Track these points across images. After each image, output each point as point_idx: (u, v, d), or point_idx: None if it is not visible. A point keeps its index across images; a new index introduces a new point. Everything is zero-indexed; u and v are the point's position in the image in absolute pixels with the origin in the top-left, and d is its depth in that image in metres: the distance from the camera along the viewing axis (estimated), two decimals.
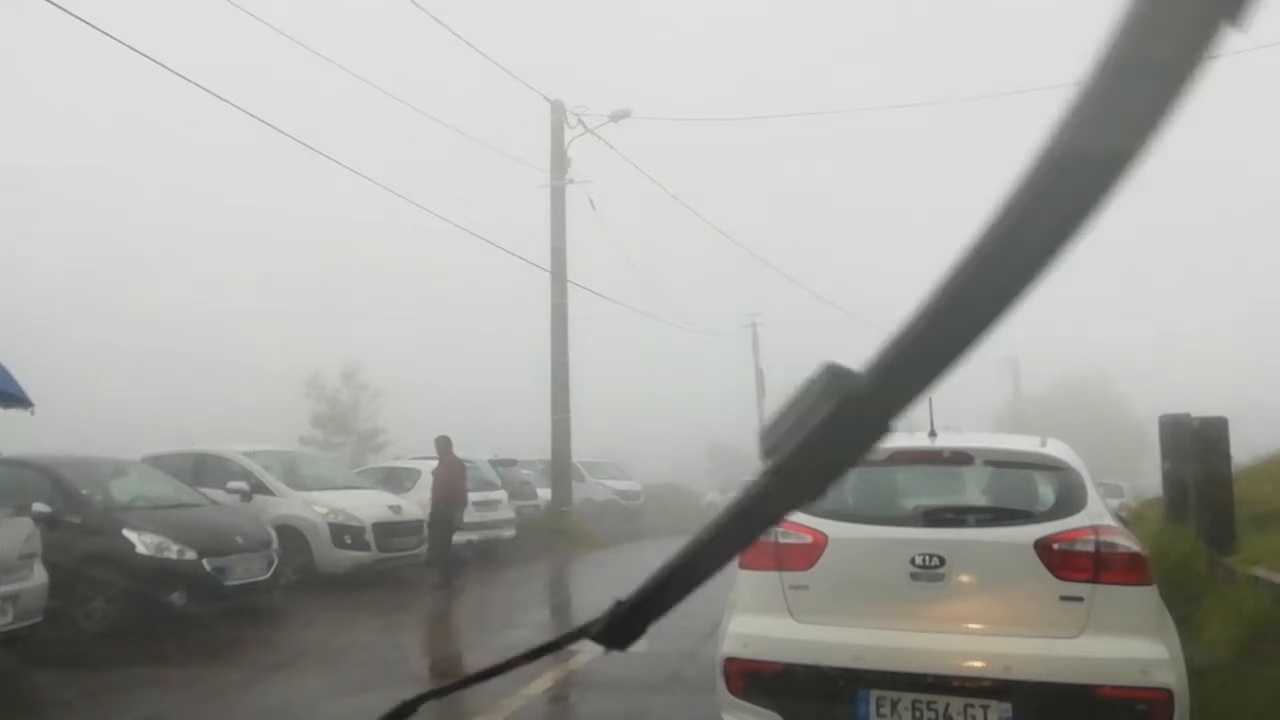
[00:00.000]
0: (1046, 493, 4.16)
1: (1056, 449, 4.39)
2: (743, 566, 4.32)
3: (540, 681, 6.50)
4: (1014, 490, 4.33)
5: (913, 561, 3.92)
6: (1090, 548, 3.78)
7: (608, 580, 13.41)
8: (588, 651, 7.40)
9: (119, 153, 58.80)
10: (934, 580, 3.90)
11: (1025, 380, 54.51)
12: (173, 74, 10.14)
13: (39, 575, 6.98)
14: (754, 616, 4.18)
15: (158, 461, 12.20)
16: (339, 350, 35.15)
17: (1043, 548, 3.81)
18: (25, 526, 6.96)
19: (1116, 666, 3.59)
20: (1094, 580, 3.73)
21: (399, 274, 55.08)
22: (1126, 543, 3.84)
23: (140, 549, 8.76)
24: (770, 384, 37.41)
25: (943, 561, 3.89)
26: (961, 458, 4.35)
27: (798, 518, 4.19)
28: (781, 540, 4.17)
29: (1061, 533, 3.84)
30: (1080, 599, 3.72)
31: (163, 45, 10.45)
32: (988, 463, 4.33)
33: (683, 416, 48.62)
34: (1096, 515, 3.93)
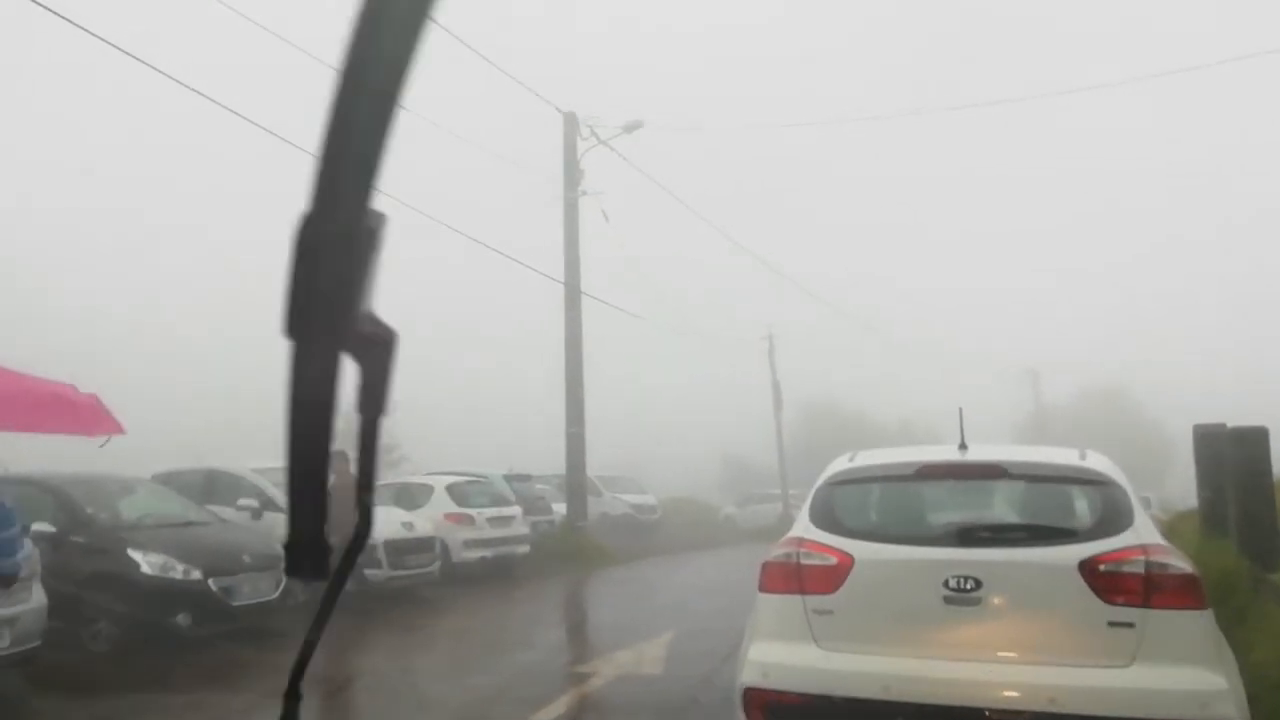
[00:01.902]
0: (1089, 509, 3.88)
1: (1097, 462, 4.11)
2: (763, 589, 4.07)
3: (554, 707, 6.25)
4: (1054, 507, 4.05)
5: (946, 584, 3.65)
6: (1140, 569, 3.50)
7: (624, 597, 13.15)
8: (602, 675, 7.15)
9: (129, 166, 59.23)
10: (969, 604, 3.63)
11: (1045, 392, 53.94)
12: (178, 83, 10.03)
13: (38, 597, 6.79)
14: (775, 643, 3.92)
15: (168, 479, 12.07)
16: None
17: (1088, 569, 3.54)
18: (24, 547, 6.77)
19: (1173, 699, 3.31)
20: (1145, 604, 3.46)
21: (412, 288, 55.13)
22: (1179, 563, 3.55)
23: (145, 569, 8.57)
24: (788, 396, 36.99)
25: (979, 584, 3.62)
26: (995, 471, 4.08)
27: (822, 537, 3.94)
28: (804, 561, 3.91)
29: (1108, 553, 3.57)
30: (1130, 625, 3.45)
31: (171, 49, 10.35)
32: (1024, 477, 4.05)
33: (698, 430, 48.30)
34: (1145, 533, 3.65)
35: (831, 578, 3.84)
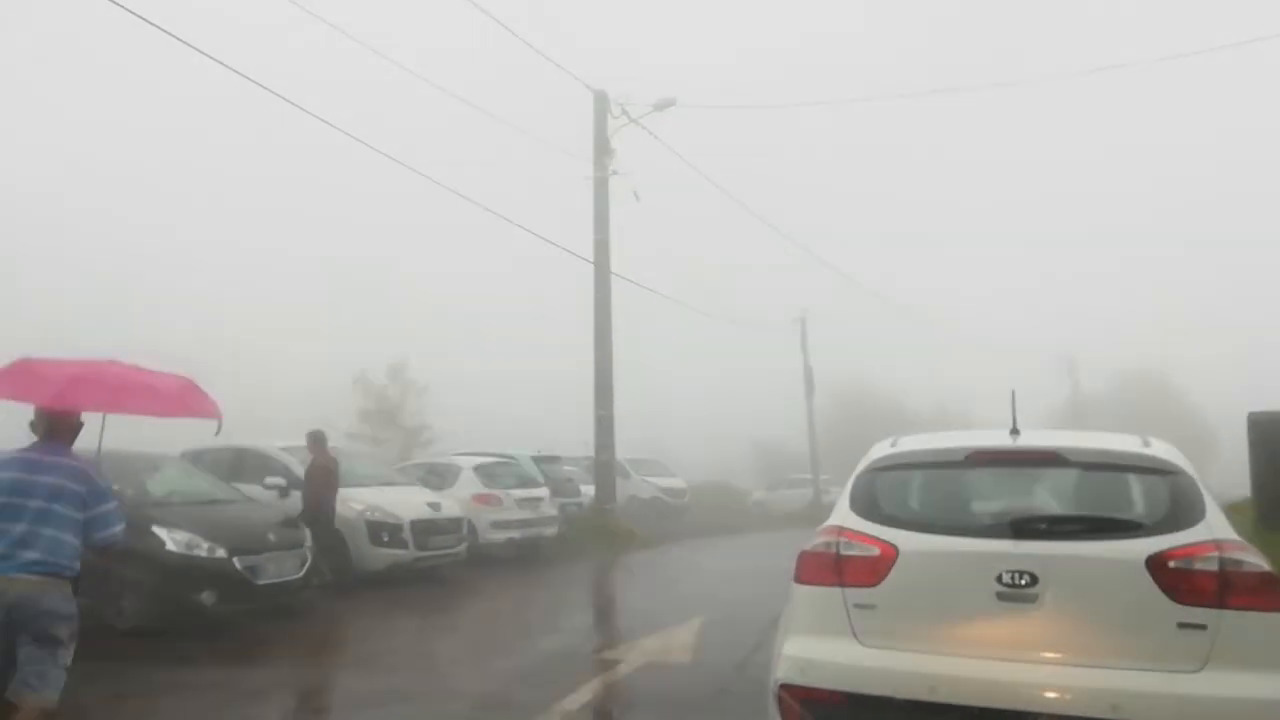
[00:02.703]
0: (1156, 501, 3.59)
1: (1163, 449, 3.82)
2: (799, 580, 3.83)
3: (579, 695, 6.07)
4: (1117, 497, 3.76)
5: (999, 579, 3.39)
6: (1213, 566, 3.22)
7: (652, 582, 12.97)
8: (628, 662, 6.96)
9: (162, 144, 59.76)
10: (1024, 601, 3.37)
11: (1083, 379, 52.92)
12: (221, 64, 9.90)
13: None
14: (812, 638, 3.68)
15: (197, 457, 12.04)
16: (387, 345, 35.20)
17: (1156, 565, 3.26)
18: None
19: (1249, 709, 3.04)
20: (1219, 605, 3.18)
21: (444, 268, 55.24)
22: (1256, 560, 3.27)
23: (170, 546, 8.50)
24: (819, 381, 36.56)
25: (1034, 580, 3.36)
26: (1052, 458, 3.79)
27: (864, 526, 3.69)
28: (844, 552, 3.67)
29: (1178, 548, 3.29)
30: (1202, 627, 3.17)
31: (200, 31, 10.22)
32: (1083, 465, 3.76)
33: (727, 414, 47.96)
34: (1218, 527, 3.36)
35: (874, 570, 3.59)
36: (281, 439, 13.05)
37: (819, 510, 31.81)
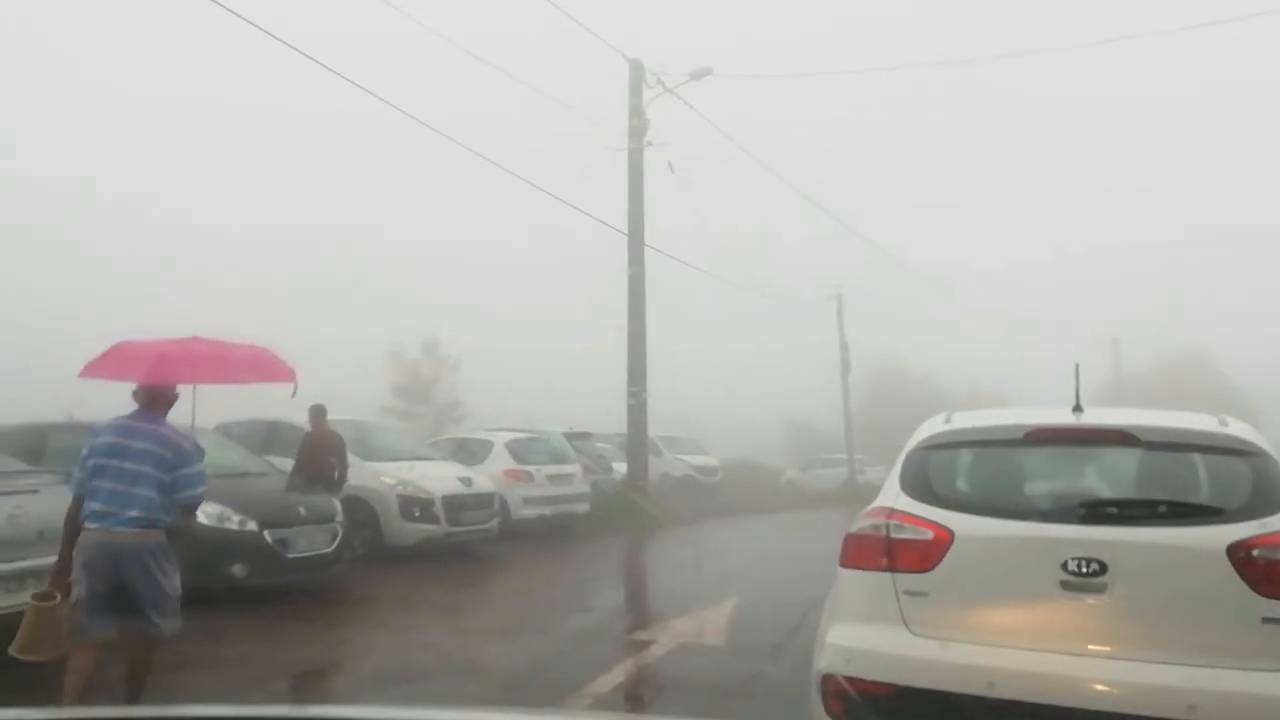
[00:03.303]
0: (1236, 485, 3.31)
1: (1242, 429, 3.53)
2: (845, 564, 3.61)
3: (610, 676, 5.91)
4: (1192, 480, 3.48)
5: (1064, 567, 3.14)
6: None
7: (685, 561, 12.81)
8: (661, 643, 6.79)
9: (181, 116, 60.08)
10: (1092, 591, 3.12)
11: (1125, 359, 51.77)
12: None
13: None
14: (859, 626, 3.47)
15: (229, 429, 12.03)
16: (422, 319, 35.29)
17: (1238, 554, 3.00)
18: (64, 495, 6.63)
19: None
20: None
21: (479, 243, 55.24)
22: None
23: (201, 519, 8.39)
24: (853, 359, 36.06)
25: (1104, 568, 3.11)
26: (1121, 437, 3.52)
27: (916, 508, 3.45)
28: (894, 535, 3.44)
29: (1263, 536, 3.02)
30: None
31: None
32: (1155, 445, 3.48)
33: (760, 391, 47.59)
34: None
35: (927, 554, 3.36)
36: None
37: (854, 490, 31.45)
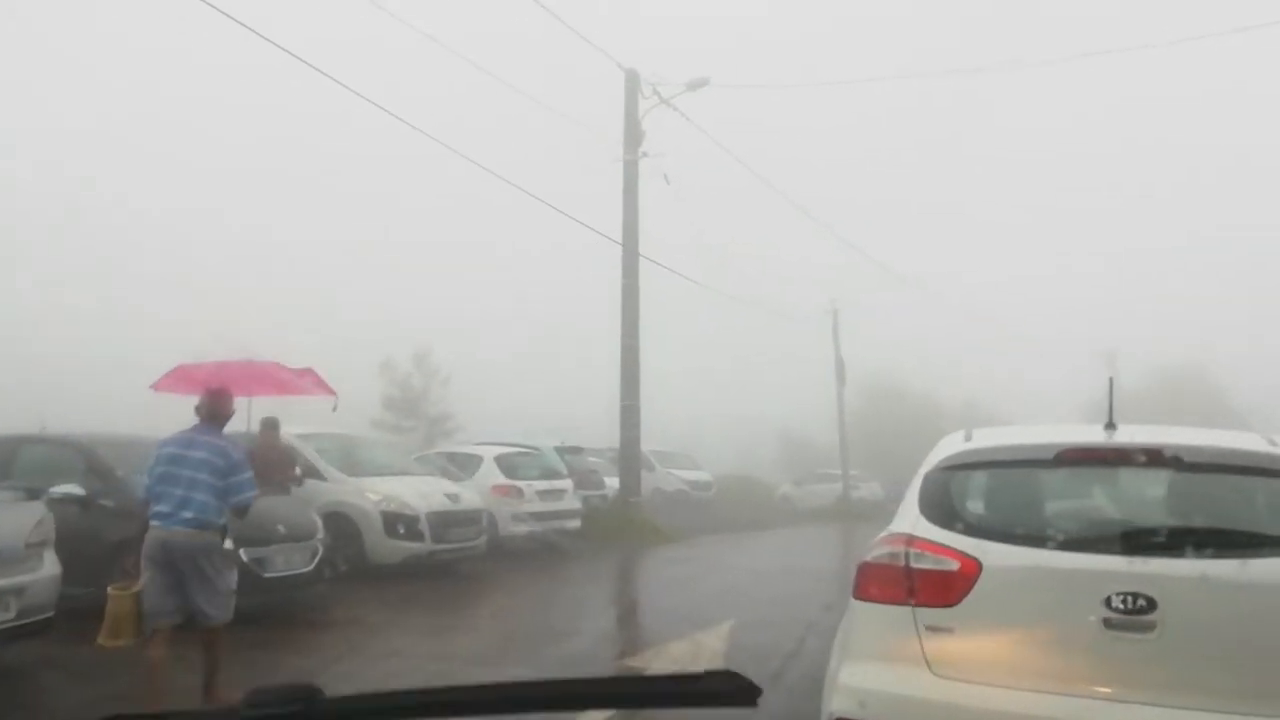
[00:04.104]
0: None
1: None
2: (859, 596, 3.28)
3: (589, 717, 5.53)
4: (1243, 507, 3.16)
5: (1107, 603, 2.82)
6: None
7: (678, 580, 12.43)
8: (654, 670, 6.43)
9: (188, 120, 59.65)
10: (1139, 630, 2.79)
11: (1121, 374, 51.55)
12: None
13: (50, 566, 6.31)
14: (874, 665, 3.13)
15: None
16: (411, 331, 34.90)
17: None
18: (34, 511, 6.29)
19: None
20: None
21: (470, 254, 54.94)
22: None
23: None
24: (851, 373, 35.81)
25: (1152, 604, 2.78)
26: (1163, 458, 3.19)
27: (938, 535, 3.12)
28: (914, 565, 3.10)
29: None
30: None
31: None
32: (1201, 467, 3.16)
33: (753, 404, 47.20)
34: None
35: (952, 587, 3.03)
36: (300, 426, 12.66)
37: (849, 506, 31.14)
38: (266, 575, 8.35)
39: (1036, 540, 3.09)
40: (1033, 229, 73.13)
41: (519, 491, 14.15)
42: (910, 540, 3.17)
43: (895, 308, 43.18)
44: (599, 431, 21.33)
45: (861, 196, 59.77)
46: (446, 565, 11.47)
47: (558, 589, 11.52)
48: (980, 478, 3.46)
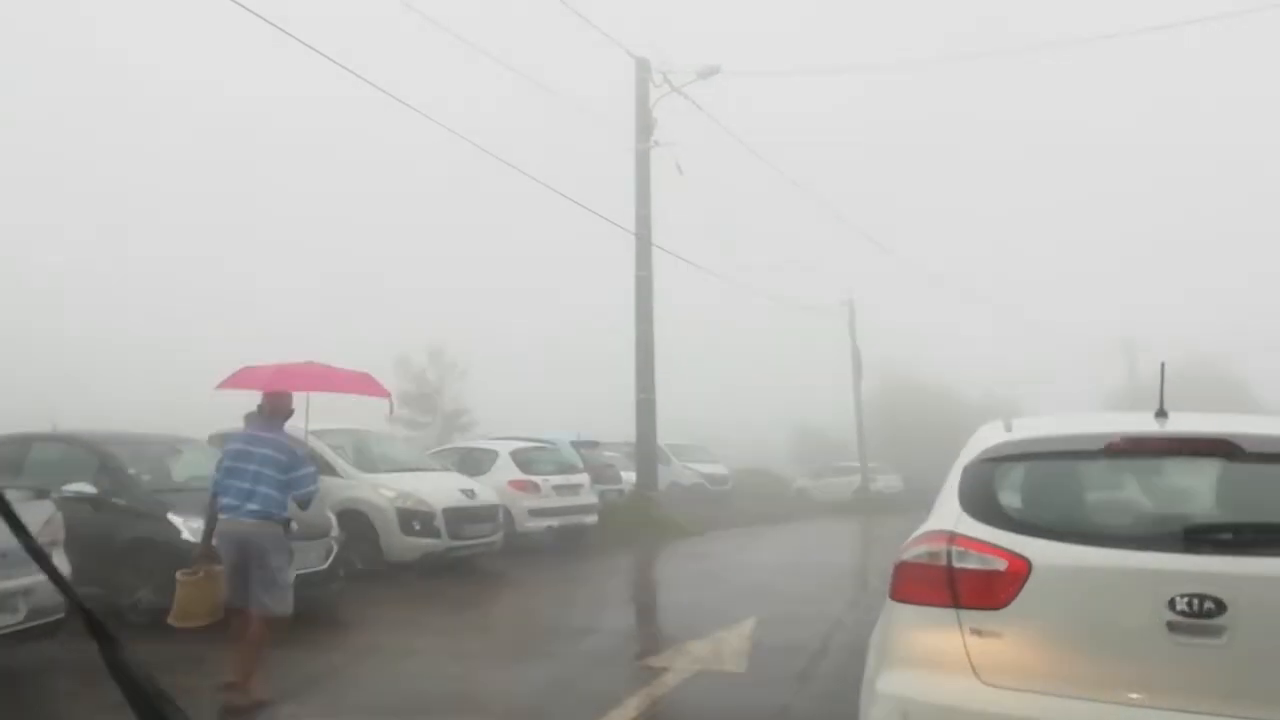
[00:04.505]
0: None
1: None
2: (898, 597, 3.09)
3: (623, 710, 5.39)
4: None
5: (1171, 605, 2.62)
6: None
7: (698, 575, 12.26)
8: (676, 670, 6.27)
9: (198, 126, 59.72)
10: (1207, 635, 2.59)
11: (1140, 363, 50.91)
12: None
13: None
14: (916, 672, 2.94)
15: (223, 440, 11.56)
16: (428, 326, 34.82)
17: None
18: (43, 510, 6.17)
19: None
20: None
21: (485, 249, 54.77)
22: None
23: (186, 535, 7.95)
24: (867, 364, 35.48)
25: (1221, 607, 2.58)
26: (1223, 448, 2.97)
27: (982, 532, 2.93)
28: (958, 564, 2.91)
29: None
30: None
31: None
32: (1266, 458, 2.94)
33: (766, 396, 46.84)
34: None
35: (999, 588, 2.84)
36: (317, 421, 12.53)
37: (866, 500, 30.85)
38: None
39: (1089, 537, 2.89)
40: (1052, 215, 72.12)
41: (535, 486, 14.00)
42: (952, 538, 2.98)
43: (910, 297, 42.81)
44: (613, 425, 21.17)
45: (878, 186, 59.23)
46: (463, 562, 11.33)
47: (575, 585, 11.37)
48: (1024, 470, 3.25)
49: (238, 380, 6.35)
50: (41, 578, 6.01)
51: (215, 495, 5.64)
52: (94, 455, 8.71)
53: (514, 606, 9.79)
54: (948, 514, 3.11)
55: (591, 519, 14.80)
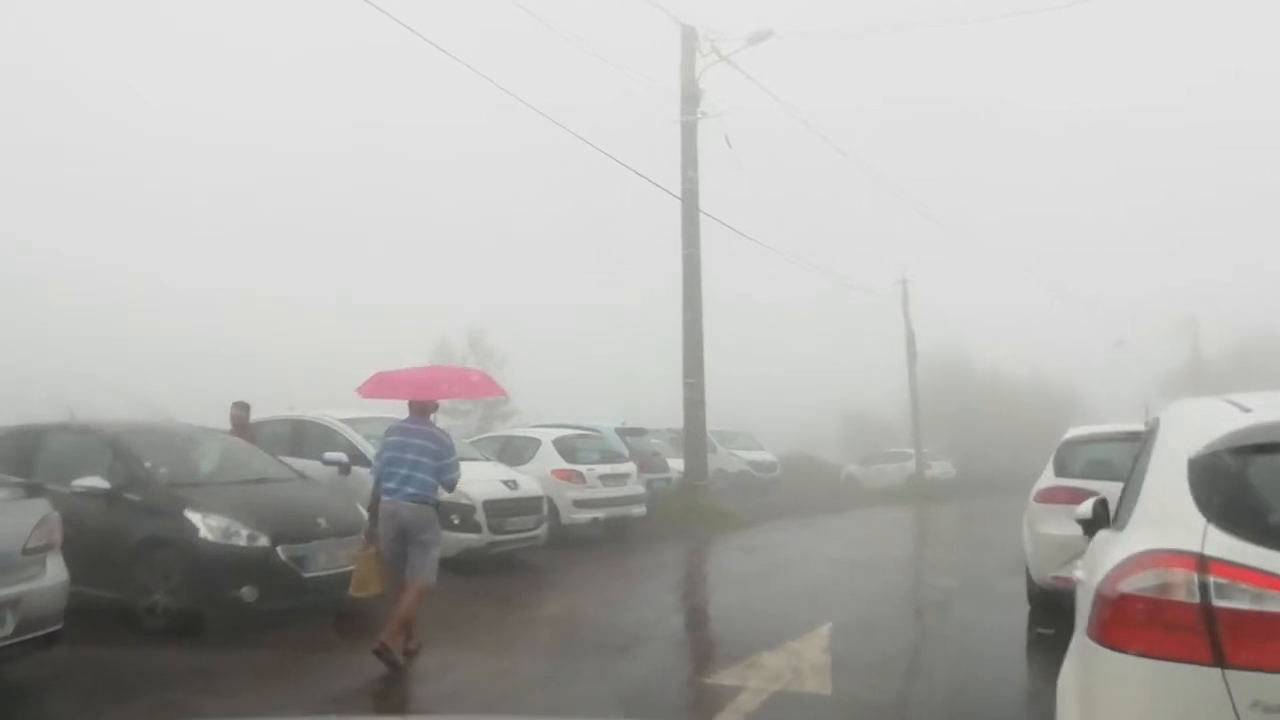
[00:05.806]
0: None
1: None
2: (1111, 644, 2.20)
3: None
4: None
5: None
6: None
7: (757, 572, 11.36)
8: (751, 691, 5.42)
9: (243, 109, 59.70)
10: None
11: (1203, 343, 48.77)
12: None
13: (55, 573, 5.49)
14: None
15: (254, 429, 10.96)
16: (469, 312, 34.29)
17: None
18: (36, 511, 5.46)
19: None
20: None
21: (529, 234, 54.16)
22: None
23: (204, 533, 7.29)
24: (922, 347, 34.24)
25: None
26: None
27: (1249, 555, 2.02)
28: (1220, 603, 2.02)
29: None
30: None
31: None
32: None
33: (814, 381, 45.61)
34: None
35: None
36: (348, 410, 11.87)
37: (920, 487, 29.71)
38: (307, 575, 7.51)
39: None
40: (1100, 188, 69.51)
41: (580, 476, 13.24)
42: (1200, 562, 2.08)
43: (962, 275, 41.30)
44: (657, 411, 20.34)
45: (931, 160, 57.44)
46: (505, 557, 10.61)
47: (626, 584, 10.57)
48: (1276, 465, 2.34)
49: (375, 386, 6.79)
50: (32, 587, 5.36)
51: (378, 480, 6.30)
52: (108, 447, 8.07)
53: (559, 610, 8.97)
54: (1177, 523, 2.20)
55: (639, 510, 14.01)
